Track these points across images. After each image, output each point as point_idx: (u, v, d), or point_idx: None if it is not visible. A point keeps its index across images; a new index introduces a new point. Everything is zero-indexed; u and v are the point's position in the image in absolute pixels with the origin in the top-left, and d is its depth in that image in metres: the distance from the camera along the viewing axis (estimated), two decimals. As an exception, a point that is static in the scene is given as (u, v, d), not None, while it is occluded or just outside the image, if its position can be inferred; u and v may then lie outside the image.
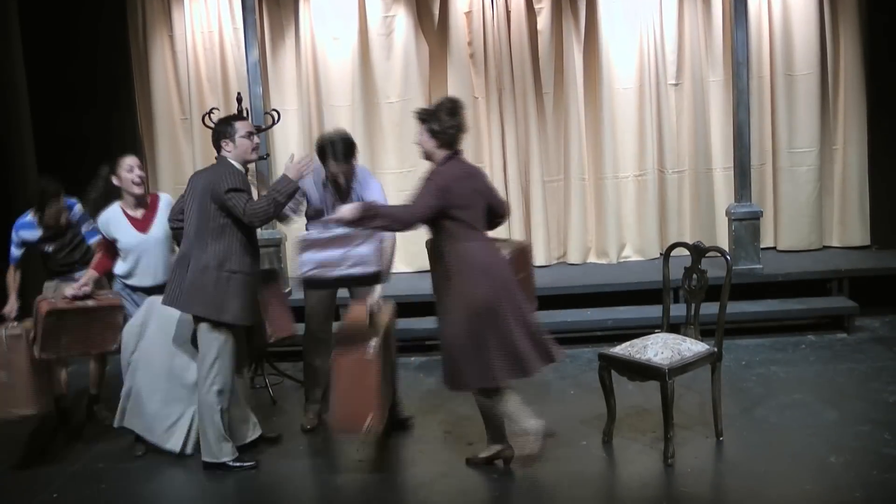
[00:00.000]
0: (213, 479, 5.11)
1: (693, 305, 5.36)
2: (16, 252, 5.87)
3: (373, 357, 4.71)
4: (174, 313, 5.22)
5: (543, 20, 8.51)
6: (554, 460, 5.07)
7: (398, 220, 4.65)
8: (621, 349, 5.22)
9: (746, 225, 7.75)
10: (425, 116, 4.81)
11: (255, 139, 5.24)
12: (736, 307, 7.23)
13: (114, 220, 5.69)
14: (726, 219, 7.97)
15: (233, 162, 5.13)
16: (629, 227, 8.76)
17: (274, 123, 7.29)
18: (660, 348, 5.11)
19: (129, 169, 5.70)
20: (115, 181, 5.72)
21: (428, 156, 4.84)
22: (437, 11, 8.58)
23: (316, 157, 5.51)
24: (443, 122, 4.75)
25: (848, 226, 8.75)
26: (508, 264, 4.87)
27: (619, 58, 8.58)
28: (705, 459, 5.15)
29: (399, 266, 7.94)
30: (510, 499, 4.85)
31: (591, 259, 8.81)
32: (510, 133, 8.63)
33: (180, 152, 8.94)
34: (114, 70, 8.56)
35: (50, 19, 8.31)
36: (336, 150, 5.46)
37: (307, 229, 5.44)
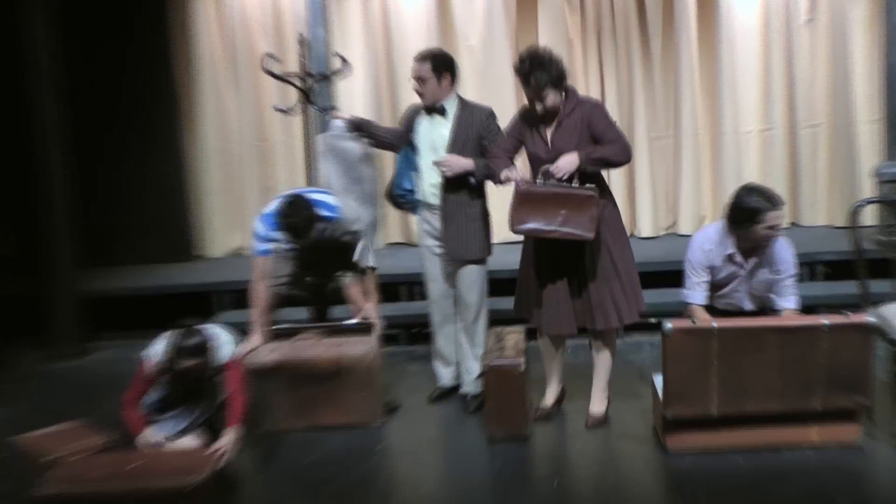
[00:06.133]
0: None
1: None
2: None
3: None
4: None
5: (650, -52, 8.44)
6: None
7: (624, 152, 5.04)
8: None
9: (899, 187, 7.45)
10: (547, 78, 4.98)
11: None
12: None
13: None
14: (873, 181, 7.67)
15: None
16: None
17: (347, 70, 6.95)
18: None
19: None
20: None
21: (555, 110, 5.09)
22: (525, -61, 8.55)
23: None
24: (552, 70, 4.99)
25: None
26: None
27: (739, -10, 8.44)
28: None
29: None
30: None
31: None
32: (610, 82, 8.57)
33: (223, 103, 8.94)
34: (145, 12, 8.58)
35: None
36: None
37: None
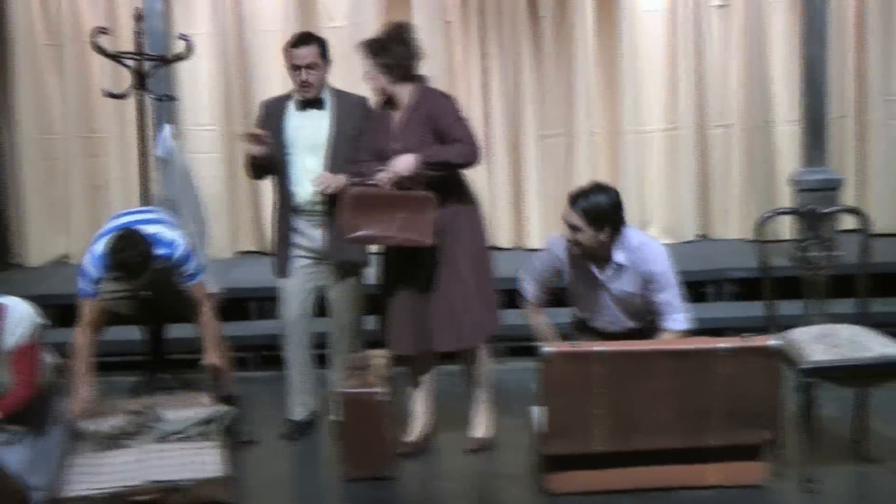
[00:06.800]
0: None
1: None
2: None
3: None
4: None
5: (540, -85, 8.47)
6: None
7: (470, 154, 5.17)
8: (823, 354, 4.89)
9: (820, 197, 7.44)
10: (374, 49, 5.21)
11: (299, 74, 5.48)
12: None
13: None
14: (791, 189, 7.78)
15: None
16: (654, 199, 8.70)
17: (188, 53, 6.83)
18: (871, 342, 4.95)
19: None
20: None
21: (383, 94, 5.28)
22: None
23: None
24: (395, 53, 5.19)
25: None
26: None
27: (642, -33, 8.54)
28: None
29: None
30: None
31: None
32: (494, 70, 8.55)
33: (45, 87, 8.77)
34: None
35: None
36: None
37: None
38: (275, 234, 5.70)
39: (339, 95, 5.60)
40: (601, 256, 4.97)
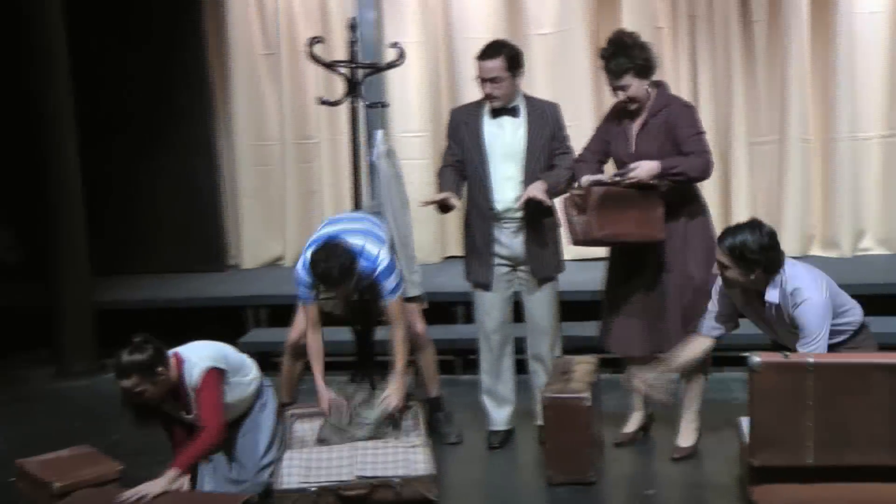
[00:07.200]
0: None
1: None
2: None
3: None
4: None
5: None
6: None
7: (704, 169, 5.27)
8: None
9: None
10: (626, 64, 5.23)
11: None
12: None
13: None
14: None
15: None
16: (871, 207, 8.54)
17: (400, 60, 7.03)
18: None
19: None
20: None
21: (631, 102, 5.33)
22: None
23: None
24: (637, 56, 5.24)
25: None
26: None
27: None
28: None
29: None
30: None
31: (815, 251, 8.62)
32: (705, 76, 8.51)
33: (262, 95, 9.08)
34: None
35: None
36: None
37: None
38: (471, 242, 5.73)
39: (531, 103, 5.64)
40: (755, 292, 4.89)
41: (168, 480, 4.76)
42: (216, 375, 4.97)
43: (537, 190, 5.36)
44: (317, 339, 5.55)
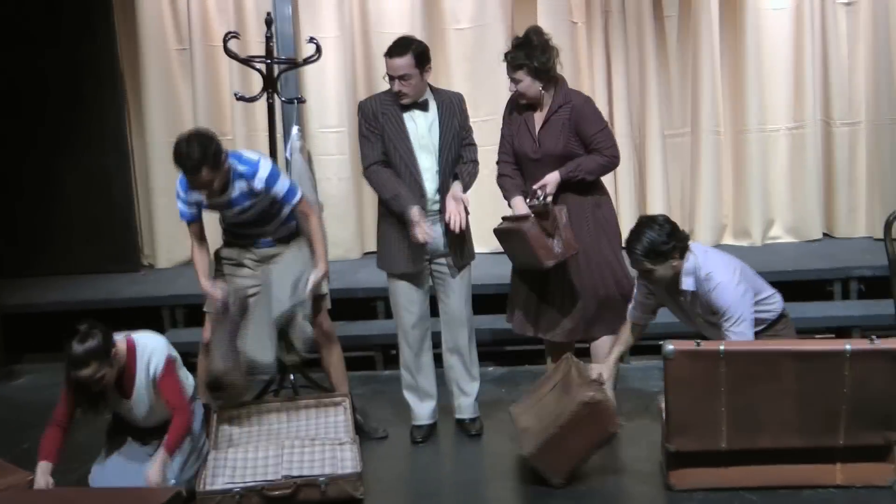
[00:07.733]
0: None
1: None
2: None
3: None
4: None
5: (666, -86, 8.44)
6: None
7: (610, 164, 5.61)
8: None
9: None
10: (522, 61, 5.44)
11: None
12: None
13: None
14: None
15: None
16: (779, 197, 8.63)
17: (316, 56, 7.02)
18: None
19: None
20: None
21: (528, 100, 5.56)
22: None
23: None
24: (536, 58, 5.44)
25: None
26: None
27: (768, -35, 8.44)
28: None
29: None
30: None
31: (727, 240, 8.72)
32: (619, 71, 8.50)
33: (176, 91, 8.92)
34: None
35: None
36: None
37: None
38: (390, 233, 5.73)
39: (439, 94, 5.70)
40: (674, 284, 5.02)
41: (162, 463, 4.85)
42: (173, 362, 5.08)
43: (460, 197, 5.57)
44: (203, 253, 5.66)
